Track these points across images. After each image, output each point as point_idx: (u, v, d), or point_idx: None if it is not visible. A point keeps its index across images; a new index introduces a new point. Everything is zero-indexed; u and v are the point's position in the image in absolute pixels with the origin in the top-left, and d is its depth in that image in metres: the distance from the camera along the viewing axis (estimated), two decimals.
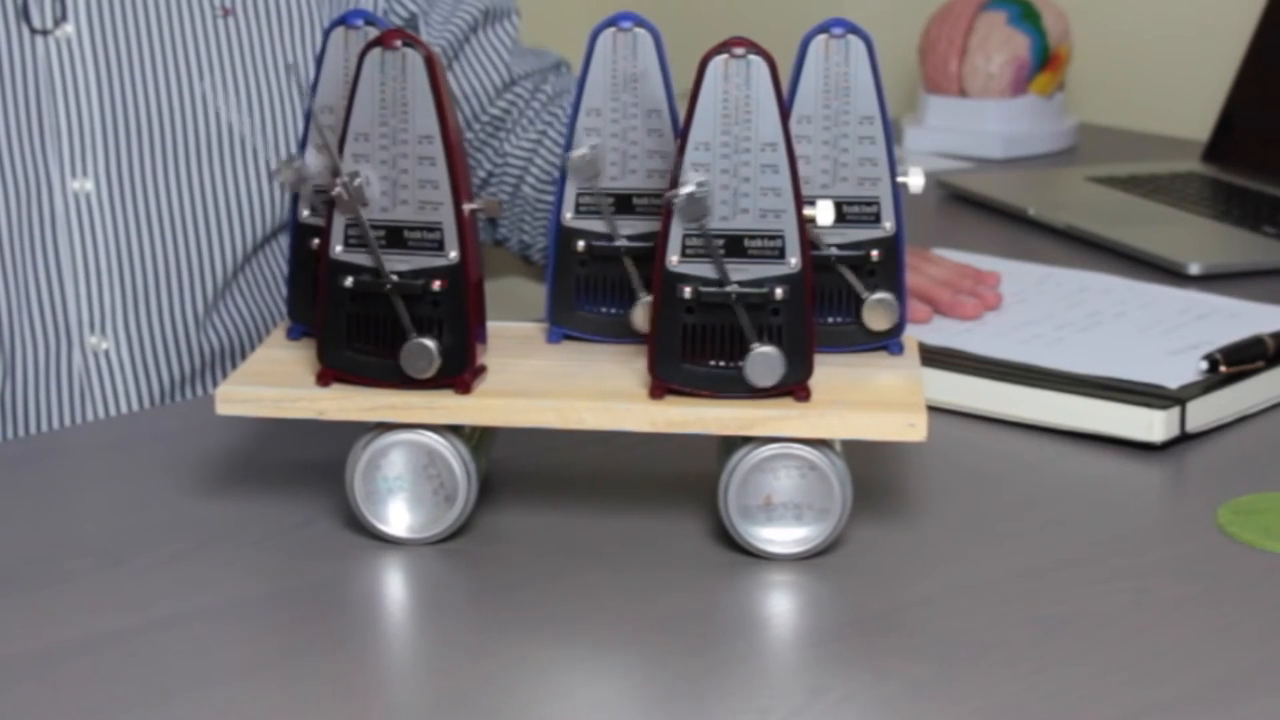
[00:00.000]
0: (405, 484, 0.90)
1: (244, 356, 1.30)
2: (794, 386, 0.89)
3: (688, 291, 0.88)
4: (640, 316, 0.95)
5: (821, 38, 0.93)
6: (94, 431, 1.17)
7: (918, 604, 0.87)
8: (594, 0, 1.89)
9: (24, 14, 1.20)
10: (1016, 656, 0.81)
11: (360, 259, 0.89)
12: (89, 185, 1.22)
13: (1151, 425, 1.04)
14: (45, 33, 1.20)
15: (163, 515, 0.95)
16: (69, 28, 1.21)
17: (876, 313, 0.95)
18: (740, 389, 0.88)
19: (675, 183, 0.87)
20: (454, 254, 0.89)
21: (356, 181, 0.88)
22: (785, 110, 0.88)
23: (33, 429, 1.22)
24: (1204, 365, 1.08)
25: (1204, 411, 1.06)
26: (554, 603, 0.86)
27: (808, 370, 0.89)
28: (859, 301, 0.95)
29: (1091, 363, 1.11)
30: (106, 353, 1.23)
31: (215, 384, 1.28)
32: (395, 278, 0.89)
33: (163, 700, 0.77)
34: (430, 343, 0.88)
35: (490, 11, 1.40)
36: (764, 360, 0.88)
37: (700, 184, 0.86)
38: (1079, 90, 2.00)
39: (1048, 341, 1.16)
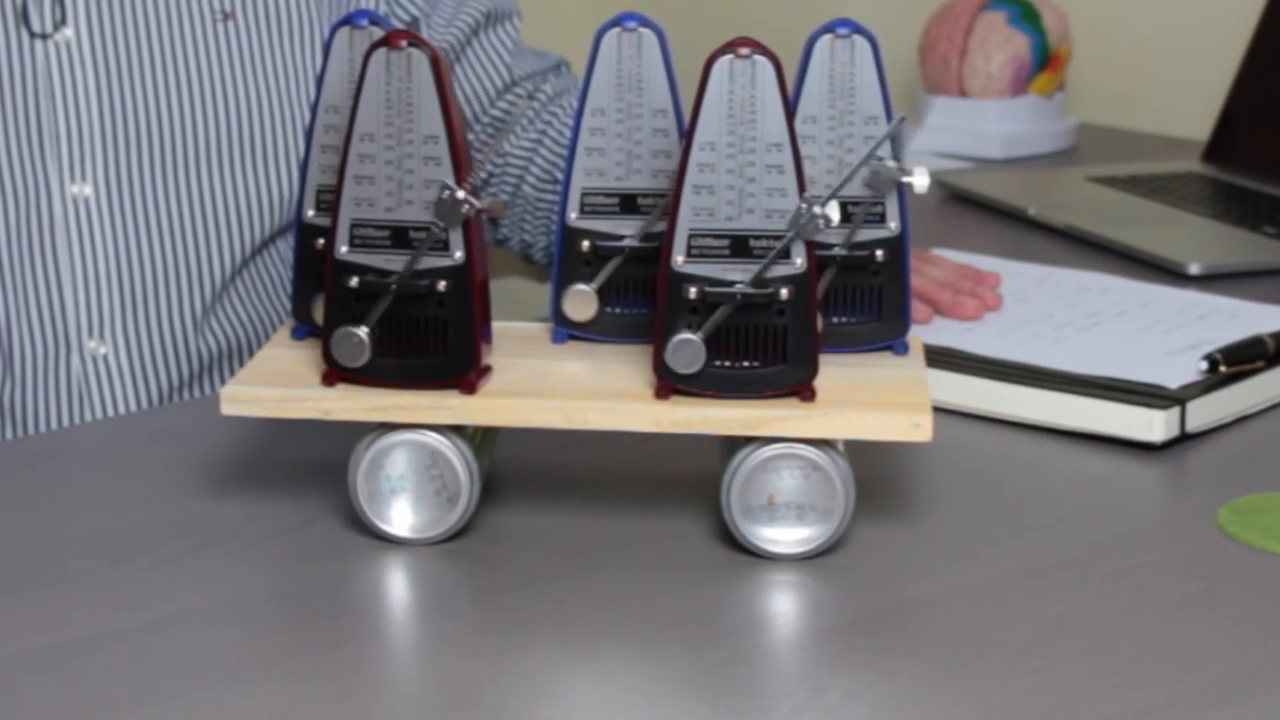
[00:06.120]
0: (408, 484, 0.90)
1: (241, 360, 1.29)
2: (799, 386, 0.89)
3: (693, 292, 0.88)
4: (570, 304, 0.95)
5: (827, 38, 0.93)
6: (94, 432, 1.17)
7: (919, 604, 0.87)
8: (595, 1, 1.89)
9: (23, 18, 1.20)
10: (1016, 656, 0.81)
11: (365, 259, 0.89)
12: (88, 190, 1.22)
13: (1151, 425, 1.04)
14: (44, 37, 1.20)
15: (163, 515, 0.95)
16: (68, 32, 1.21)
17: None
18: (746, 389, 0.88)
19: (680, 183, 0.87)
20: (459, 254, 0.89)
21: (461, 195, 0.87)
22: (790, 110, 0.88)
23: (32, 433, 1.22)
24: (1204, 365, 1.08)
25: (1204, 411, 1.06)
26: (556, 602, 0.86)
27: (813, 370, 0.89)
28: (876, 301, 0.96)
29: (1091, 363, 1.11)
30: (105, 357, 1.23)
31: (213, 387, 1.28)
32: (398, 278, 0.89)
33: (163, 700, 0.77)
34: (360, 331, 0.88)
35: (492, 14, 1.40)
36: (686, 347, 0.88)
37: (825, 217, 0.87)
38: (1079, 90, 2.00)
39: (1048, 341, 1.16)
